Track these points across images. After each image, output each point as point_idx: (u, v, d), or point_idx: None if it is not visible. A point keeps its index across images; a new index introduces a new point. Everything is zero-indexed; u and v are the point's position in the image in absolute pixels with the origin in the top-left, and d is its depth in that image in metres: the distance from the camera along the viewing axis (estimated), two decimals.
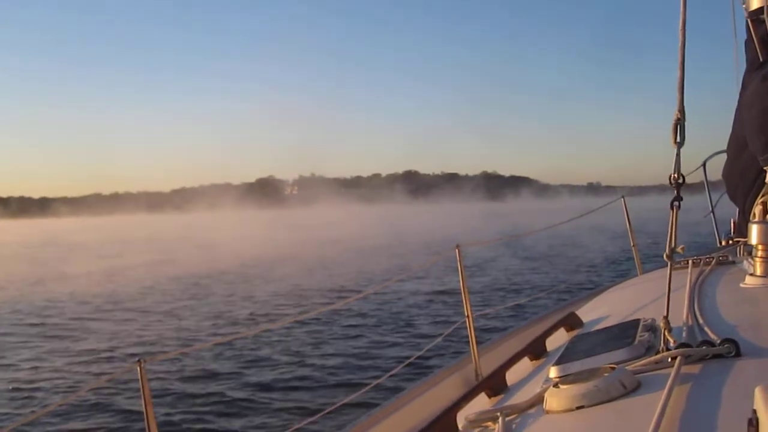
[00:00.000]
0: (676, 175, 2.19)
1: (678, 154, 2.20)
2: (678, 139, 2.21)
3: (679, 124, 2.22)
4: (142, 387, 2.83)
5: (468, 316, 4.55)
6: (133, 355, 13.06)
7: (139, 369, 2.82)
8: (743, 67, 3.15)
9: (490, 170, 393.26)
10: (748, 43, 3.07)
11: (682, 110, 2.22)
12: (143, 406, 2.86)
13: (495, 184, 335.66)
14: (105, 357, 13.75)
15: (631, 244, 6.12)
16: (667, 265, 2.13)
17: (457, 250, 4.66)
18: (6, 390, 11.54)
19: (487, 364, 3.90)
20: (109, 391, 10.56)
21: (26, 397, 11.10)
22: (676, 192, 2.17)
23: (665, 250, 2.12)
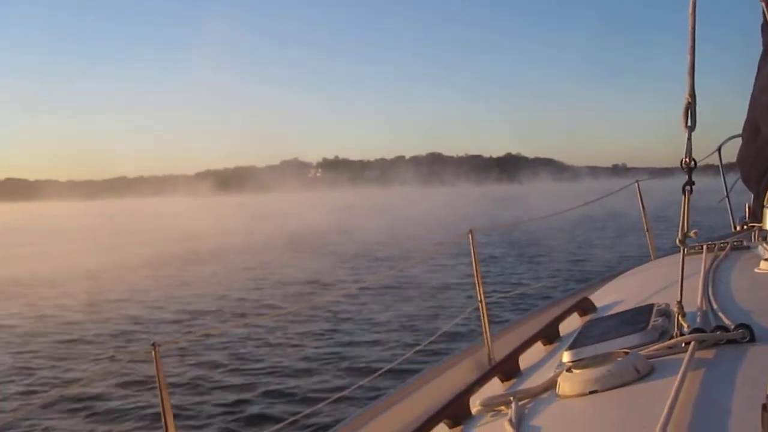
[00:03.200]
0: (687, 159, 2.16)
1: (689, 138, 2.18)
2: (689, 123, 2.19)
3: (690, 108, 2.18)
4: (157, 371, 2.86)
5: (481, 300, 4.55)
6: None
7: (153, 353, 2.84)
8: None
9: (514, 152, 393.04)
10: (763, 27, 3.04)
11: (692, 94, 2.19)
12: (158, 389, 2.88)
13: (519, 166, 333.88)
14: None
15: (645, 229, 6.09)
16: (680, 250, 2.12)
17: (470, 235, 4.66)
18: (19, 375, 11.68)
19: (500, 349, 3.91)
20: (124, 375, 10.68)
21: (41, 382, 11.24)
22: (687, 176, 2.15)
23: (677, 235, 2.11)
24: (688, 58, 2.24)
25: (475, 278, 4.64)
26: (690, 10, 2.27)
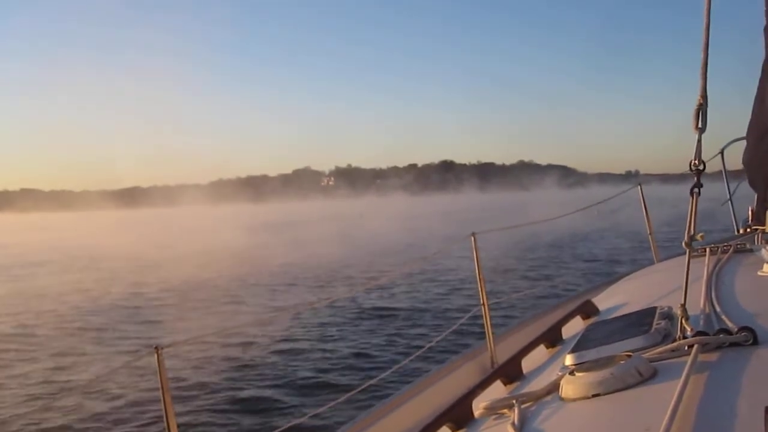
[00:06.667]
0: (696, 162, 2.14)
1: (699, 140, 2.16)
2: (700, 125, 2.16)
3: (702, 110, 2.16)
4: (160, 373, 2.85)
5: (483, 303, 4.55)
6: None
7: (156, 355, 2.84)
8: None
9: (526, 159, 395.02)
10: (767, 29, 3.03)
11: (704, 95, 2.17)
12: (161, 392, 2.88)
13: (530, 173, 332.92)
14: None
15: (648, 233, 6.08)
16: (684, 253, 2.11)
17: (472, 238, 4.66)
18: (24, 378, 11.69)
19: (503, 352, 3.91)
20: (127, 378, 10.68)
21: (43, 383, 11.25)
22: (696, 179, 2.13)
23: (684, 238, 2.10)
24: (702, 57, 2.20)
25: (478, 281, 4.64)
26: (705, 7, 2.25)
